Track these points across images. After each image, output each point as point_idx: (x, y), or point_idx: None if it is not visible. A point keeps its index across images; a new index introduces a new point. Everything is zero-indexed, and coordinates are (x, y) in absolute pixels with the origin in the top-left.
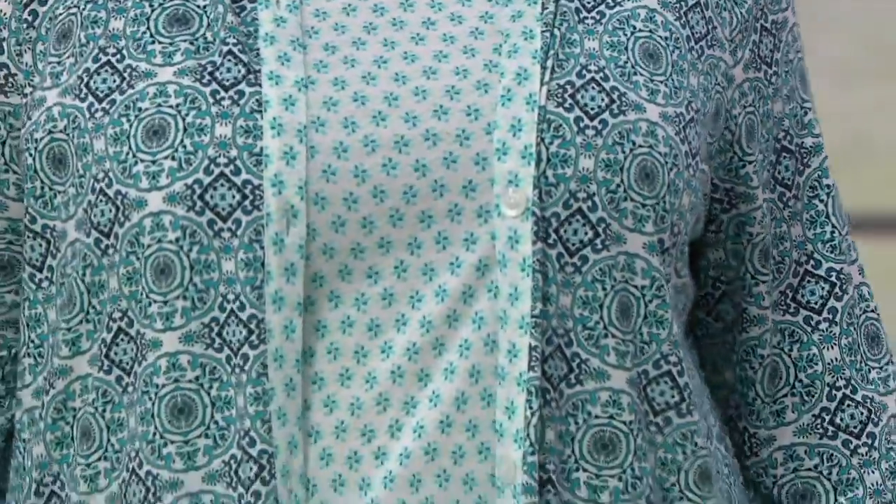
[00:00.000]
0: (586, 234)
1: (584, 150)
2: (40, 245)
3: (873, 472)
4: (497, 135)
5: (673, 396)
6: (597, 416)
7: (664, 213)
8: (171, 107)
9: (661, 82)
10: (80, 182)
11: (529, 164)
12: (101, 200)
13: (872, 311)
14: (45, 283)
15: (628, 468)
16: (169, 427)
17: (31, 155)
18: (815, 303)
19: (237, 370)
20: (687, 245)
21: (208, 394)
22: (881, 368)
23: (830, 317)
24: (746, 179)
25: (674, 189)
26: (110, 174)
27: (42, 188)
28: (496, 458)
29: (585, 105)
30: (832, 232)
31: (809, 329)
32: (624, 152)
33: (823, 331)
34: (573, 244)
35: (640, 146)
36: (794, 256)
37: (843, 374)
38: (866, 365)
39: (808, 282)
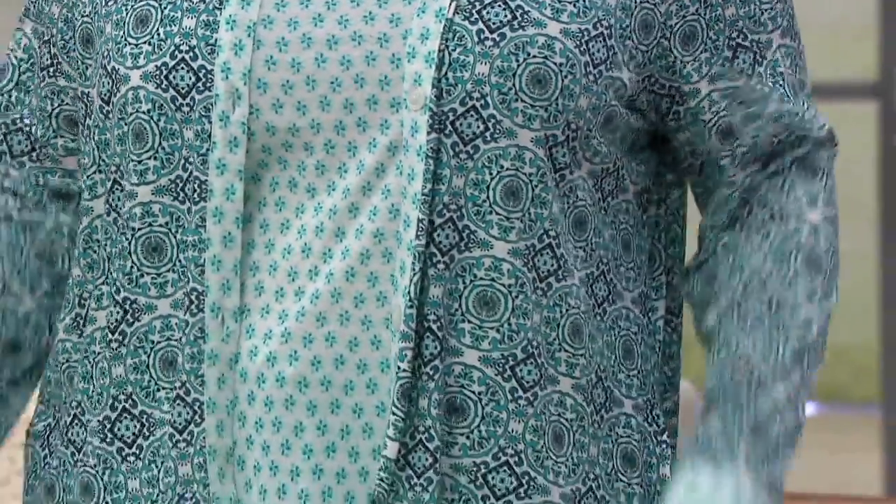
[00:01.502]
0: (479, 127)
1: (482, 58)
2: (81, 108)
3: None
4: (409, 40)
5: (553, 265)
6: (480, 279)
7: (557, 113)
8: (155, 1)
9: (570, 2)
10: (97, 57)
11: (431, 66)
12: (103, 74)
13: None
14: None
15: (506, 323)
16: (145, 262)
17: (71, 37)
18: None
19: (194, 223)
20: (601, 136)
21: (175, 236)
22: None
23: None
24: (688, 77)
25: (568, 93)
26: (110, 53)
27: (79, 63)
28: (392, 306)
29: (489, 20)
30: (795, 106)
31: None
32: (518, 61)
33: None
34: (467, 135)
35: (535, 56)
36: (770, 130)
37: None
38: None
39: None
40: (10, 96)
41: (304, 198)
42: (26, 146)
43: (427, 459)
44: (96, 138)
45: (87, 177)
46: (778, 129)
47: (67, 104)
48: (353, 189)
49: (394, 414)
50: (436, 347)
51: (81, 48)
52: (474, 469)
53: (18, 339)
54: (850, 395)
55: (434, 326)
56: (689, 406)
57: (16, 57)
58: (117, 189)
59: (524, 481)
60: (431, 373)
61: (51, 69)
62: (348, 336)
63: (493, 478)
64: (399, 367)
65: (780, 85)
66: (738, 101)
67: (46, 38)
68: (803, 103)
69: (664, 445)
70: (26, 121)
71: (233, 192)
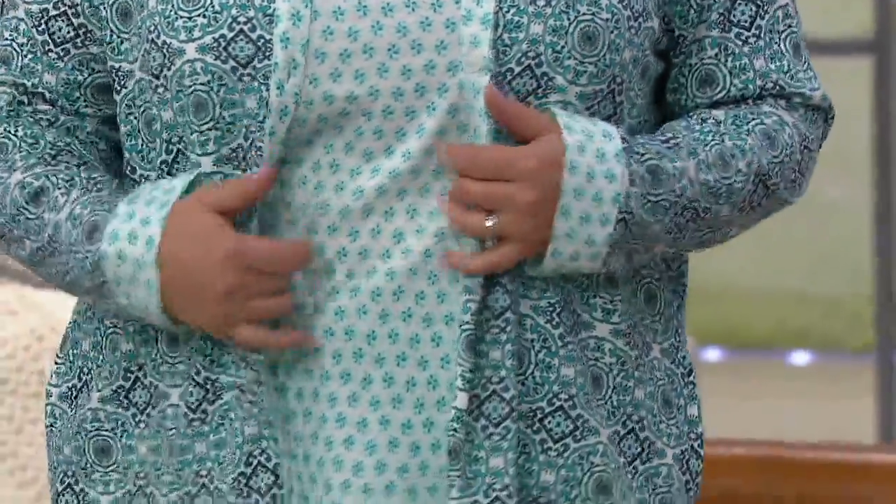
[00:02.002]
0: (532, 85)
1: (535, 18)
2: (113, 81)
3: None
4: (464, 3)
5: (612, 111)
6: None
7: (604, 68)
8: None
9: None
10: (140, 33)
11: (487, 28)
12: (151, 49)
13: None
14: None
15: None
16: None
17: (104, 9)
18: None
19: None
20: (638, 88)
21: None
22: None
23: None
24: (688, 20)
25: (614, 48)
26: (158, 27)
27: (111, 36)
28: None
29: None
30: (790, 64)
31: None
32: (569, 19)
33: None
34: (521, 93)
35: (584, 14)
36: (759, 83)
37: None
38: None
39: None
40: (21, 74)
41: (361, 161)
42: (48, 112)
43: (503, 409)
44: (144, 115)
45: (135, 149)
46: (767, 85)
47: (100, 72)
48: (414, 152)
49: (460, 366)
50: (505, 300)
51: (118, 22)
52: (530, 415)
53: None
54: (844, 344)
55: (503, 280)
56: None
57: (17, 43)
58: (182, 159)
59: (578, 424)
60: (503, 325)
61: (77, 40)
62: (415, 290)
63: (549, 422)
64: (463, 321)
65: (776, 42)
66: (727, 52)
67: (61, 10)
68: (799, 63)
69: (691, 386)
70: (48, 95)
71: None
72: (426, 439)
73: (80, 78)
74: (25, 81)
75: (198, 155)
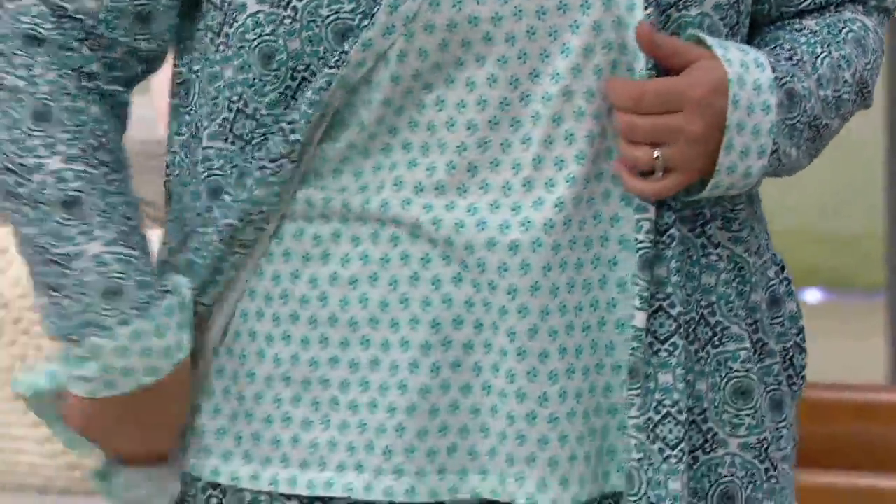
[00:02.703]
0: None
1: None
2: (215, 15)
3: None
4: None
5: (735, 21)
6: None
7: None
8: None
9: None
10: None
11: None
12: (211, 8)
13: None
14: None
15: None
16: None
17: None
18: None
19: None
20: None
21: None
22: None
23: None
24: None
25: None
26: None
27: None
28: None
29: None
30: None
31: None
32: None
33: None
34: (663, 5)
35: None
36: None
37: None
38: None
39: None
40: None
41: (507, 91)
42: (82, 34)
43: (670, 325)
44: (259, 50)
45: (247, 84)
46: None
47: (143, 2)
48: (563, 73)
49: (637, 285)
50: (670, 217)
51: None
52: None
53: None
54: (855, 283)
55: (667, 199)
56: None
57: None
58: (305, 85)
59: (717, 331)
60: (668, 241)
61: None
62: (580, 217)
63: (695, 330)
64: (638, 240)
65: None
66: None
67: None
68: None
69: (787, 282)
70: (86, 16)
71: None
72: (607, 360)
73: (121, 5)
74: (66, 4)
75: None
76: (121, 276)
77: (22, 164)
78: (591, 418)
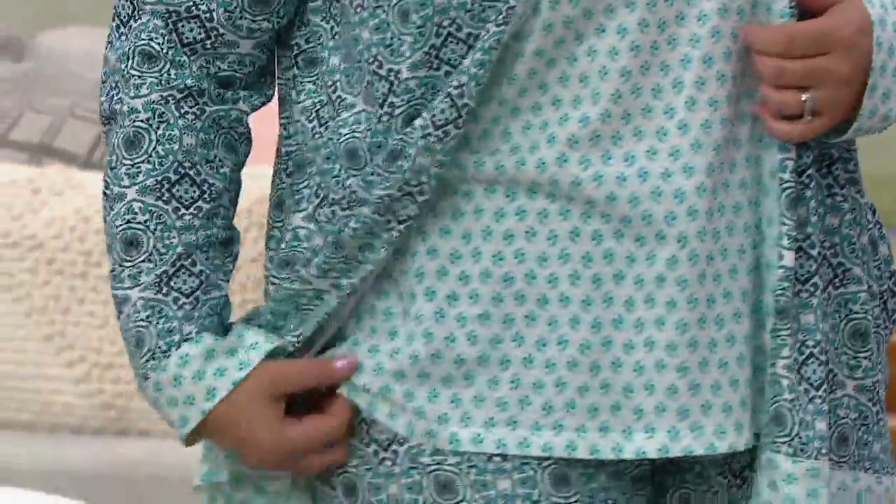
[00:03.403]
0: None
1: None
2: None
3: None
4: None
5: None
6: None
7: None
8: None
9: None
10: None
11: None
12: None
13: None
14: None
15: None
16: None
17: None
18: None
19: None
20: None
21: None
22: None
23: None
24: None
25: None
26: None
27: None
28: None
29: None
30: None
31: None
32: None
33: None
34: None
35: None
36: None
37: None
38: None
39: None
40: None
41: (656, 35)
42: (199, 34)
43: (811, 266)
44: (398, 7)
45: (383, 44)
46: None
47: None
48: (709, 13)
49: (784, 224)
50: (808, 157)
51: None
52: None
53: (231, 234)
54: (893, 223)
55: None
56: None
57: None
58: (452, 41)
59: (839, 272)
60: (807, 182)
61: None
62: (727, 159)
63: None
64: (782, 179)
65: None
66: None
67: None
68: None
69: (879, 224)
70: (202, 7)
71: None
72: (750, 303)
73: None
74: (178, 7)
75: (472, 33)
76: (144, 325)
77: (107, 193)
78: (717, 347)
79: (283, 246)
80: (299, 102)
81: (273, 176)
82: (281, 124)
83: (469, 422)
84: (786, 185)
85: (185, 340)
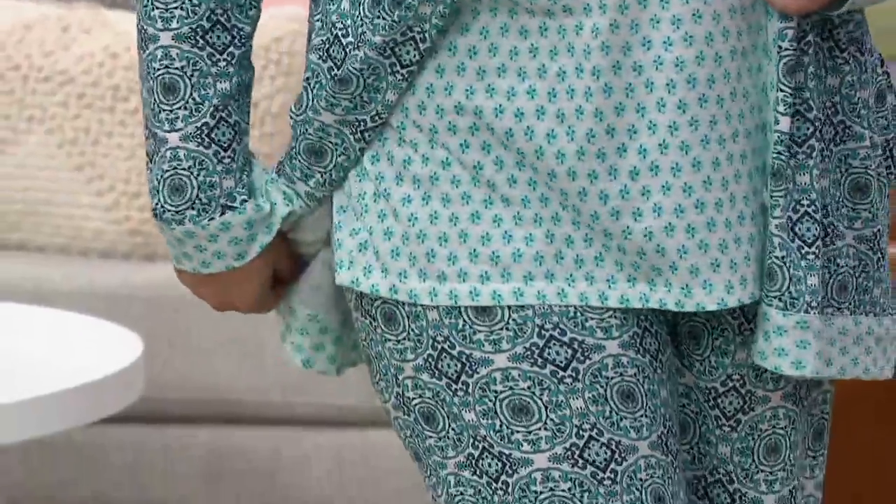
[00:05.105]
0: None
1: None
2: None
3: None
4: None
5: None
6: None
7: None
8: None
9: None
10: None
11: None
12: None
13: None
14: None
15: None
16: None
17: None
18: None
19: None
20: None
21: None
22: None
23: None
24: None
25: None
26: None
27: None
28: None
29: None
30: None
31: None
32: None
33: None
34: None
35: None
36: None
37: None
38: None
39: None
40: None
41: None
42: None
43: (808, 129)
44: None
45: None
46: None
47: None
48: None
49: (781, 91)
50: (807, 24)
51: None
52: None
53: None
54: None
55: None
56: None
57: None
58: None
59: (840, 129)
60: (805, 48)
61: None
62: (731, 28)
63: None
64: (781, 47)
65: None
66: None
67: None
68: None
69: (887, 76)
70: None
71: None
72: (753, 165)
73: None
74: None
75: None
76: (185, 174)
77: (143, 33)
78: (728, 184)
79: (303, 82)
80: None
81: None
82: None
83: (495, 277)
84: (784, 53)
85: (229, 208)
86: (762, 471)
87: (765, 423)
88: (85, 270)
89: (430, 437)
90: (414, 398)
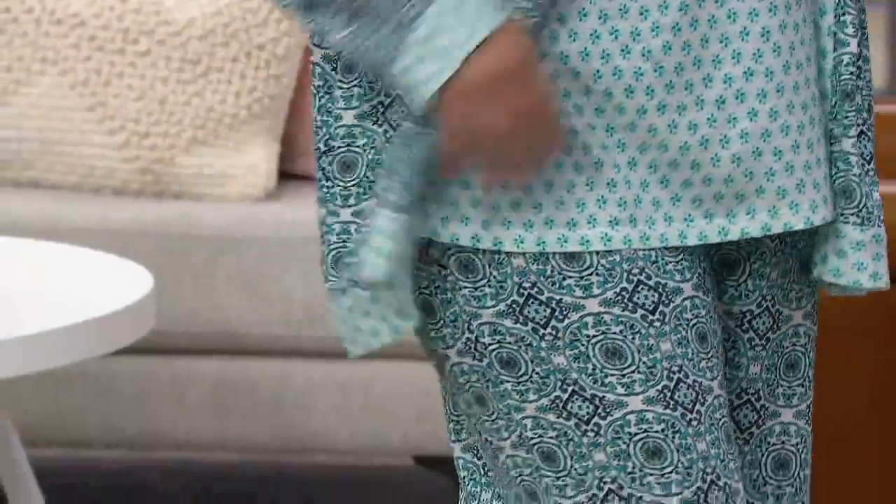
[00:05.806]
0: None
1: None
2: None
3: None
4: None
5: None
6: None
7: None
8: None
9: None
10: None
11: None
12: None
13: None
14: None
15: None
16: None
17: None
18: None
19: None
20: None
21: None
22: None
23: None
24: None
25: None
26: None
27: None
28: None
29: None
30: None
31: None
32: None
33: None
34: None
35: None
36: None
37: None
38: None
39: None
40: None
41: None
42: None
43: (866, 50)
44: None
45: None
46: None
47: None
48: None
49: (849, 14)
50: None
51: None
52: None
53: None
54: None
55: None
56: None
57: None
58: None
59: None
60: None
61: None
62: None
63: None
64: None
65: None
66: None
67: None
68: None
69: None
70: None
71: None
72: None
73: None
74: None
75: None
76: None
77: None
78: (808, 109)
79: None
80: None
81: None
82: None
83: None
84: None
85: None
86: (781, 385)
87: (787, 341)
88: (97, 208)
89: (507, 381)
90: (491, 343)
